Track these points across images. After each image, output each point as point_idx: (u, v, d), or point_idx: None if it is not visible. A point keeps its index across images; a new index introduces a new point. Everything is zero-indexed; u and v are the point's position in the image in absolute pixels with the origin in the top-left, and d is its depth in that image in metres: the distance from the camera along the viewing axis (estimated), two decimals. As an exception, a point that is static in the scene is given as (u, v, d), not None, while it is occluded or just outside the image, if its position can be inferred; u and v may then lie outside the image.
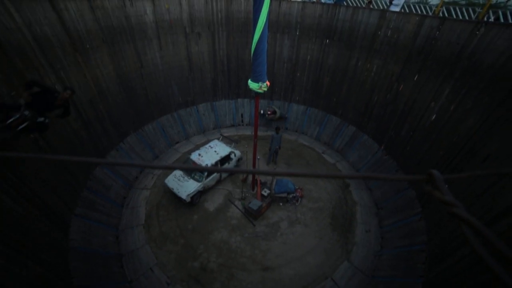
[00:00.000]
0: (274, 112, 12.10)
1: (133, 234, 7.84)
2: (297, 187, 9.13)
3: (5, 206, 4.83)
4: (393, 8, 9.32)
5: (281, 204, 8.92)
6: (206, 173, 8.71)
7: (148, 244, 7.61)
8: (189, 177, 8.75)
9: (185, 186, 8.47)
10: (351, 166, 10.65)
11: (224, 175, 9.62)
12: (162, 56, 10.14)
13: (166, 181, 8.79)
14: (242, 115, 13.23)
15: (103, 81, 8.35)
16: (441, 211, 6.51)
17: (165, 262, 7.24)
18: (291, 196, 8.87)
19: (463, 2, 11.18)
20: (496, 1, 9.50)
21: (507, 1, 8.57)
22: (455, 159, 6.63)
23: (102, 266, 6.66)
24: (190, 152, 10.30)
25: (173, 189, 8.48)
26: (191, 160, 9.13)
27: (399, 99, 8.81)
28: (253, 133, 7.80)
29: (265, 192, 8.77)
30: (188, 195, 8.23)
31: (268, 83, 6.36)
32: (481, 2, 9.96)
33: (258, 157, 8.65)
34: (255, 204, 8.23)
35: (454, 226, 5.84)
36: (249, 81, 6.32)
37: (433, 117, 7.56)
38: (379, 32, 9.15)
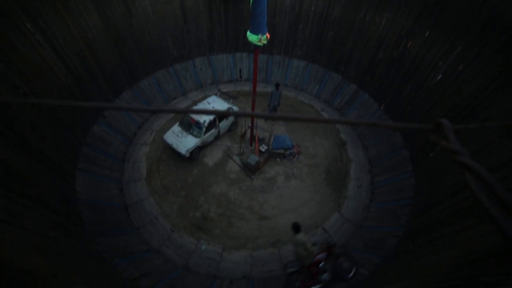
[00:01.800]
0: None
1: (136, 187, 8.23)
2: (294, 144, 9.31)
3: (11, 162, 4.96)
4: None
5: (278, 159, 9.20)
6: (204, 129, 8.77)
7: (151, 196, 8.05)
8: (187, 133, 8.82)
9: (184, 141, 8.59)
10: (348, 125, 10.72)
11: (222, 131, 9.69)
12: (152, 4, 9.28)
13: (165, 137, 8.88)
14: (240, 71, 12.73)
15: (89, 31, 7.76)
16: (431, 170, 6.80)
17: (168, 212, 7.76)
18: (288, 152, 9.10)
19: None
20: None
21: None
22: (454, 121, 6.66)
23: (110, 215, 7.15)
24: (188, 108, 10.19)
25: (172, 144, 8.62)
26: (189, 116, 9.08)
27: (406, 56, 8.42)
28: (251, 89, 7.64)
29: (263, 148, 8.96)
30: (187, 150, 8.40)
31: (268, 35, 5.98)
32: None
33: (257, 114, 8.61)
34: (253, 159, 8.48)
35: (440, 183, 6.17)
36: (248, 32, 5.94)
37: (439, 77, 7.30)
38: (392, -21, 8.29)
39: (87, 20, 7.62)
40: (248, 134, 9.59)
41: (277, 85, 9.71)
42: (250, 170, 8.66)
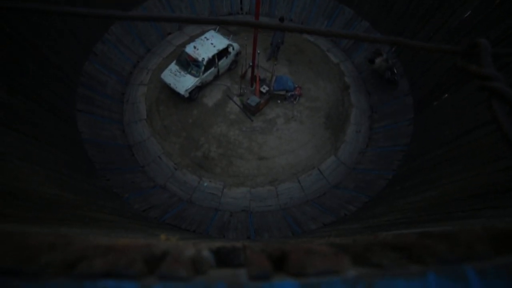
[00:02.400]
0: (380, 56, 8.78)
1: (137, 128, 8.33)
2: (296, 85, 9.05)
3: (12, 105, 4.87)
4: None
5: (279, 101, 9.07)
6: (203, 68, 8.36)
7: (153, 136, 8.22)
8: (186, 72, 8.44)
9: (182, 81, 8.29)
10: (354, 67, 10.19)
11: (222, 70, 9.27)
12: None
13: (162, 76, 8.52)
14: (241, 2, 11.38)
15: None
16: (431, 119, 6.80)
17: (170, 151, 8.06)
18: (289, 94, 8.91)
19: None
20: None
21: None
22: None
23: (116, 155, 7.45)
24: (184, 45, 9.48)
25: (170, 84, 8.35)
26: (186, 53, 8.52)
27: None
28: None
29: (264, 89, 8.73)
30: (186, 90, 8.19)
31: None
32: None
33: (258, 52, 8.10)
34: (254, 100, 8.36)
35: (438, 132, 6.26)
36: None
37: (467, 13, 6.49)
38: None
39: None
40: (249, 74, 9.20)
41: (281, 20, 8.83)
42: (250, 111, 8.62)
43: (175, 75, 8.42)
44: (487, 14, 6.05)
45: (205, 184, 7.68)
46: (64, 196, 4.38)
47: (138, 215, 6.56)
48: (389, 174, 7.16)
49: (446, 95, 6.64)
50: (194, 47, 8.54)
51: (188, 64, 8.44)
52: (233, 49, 9.19)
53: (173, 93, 8.73)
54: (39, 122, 5.54)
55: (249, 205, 7.47)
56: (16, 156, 4.13)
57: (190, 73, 8.40)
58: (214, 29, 9.81)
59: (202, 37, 8.97)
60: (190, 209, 7.25)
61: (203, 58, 8.24)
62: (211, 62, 8.52)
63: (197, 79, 8.36)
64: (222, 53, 8.80)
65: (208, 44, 8.66)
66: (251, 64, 8.55)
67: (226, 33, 10.15)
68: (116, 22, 8.84)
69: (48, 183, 4.38)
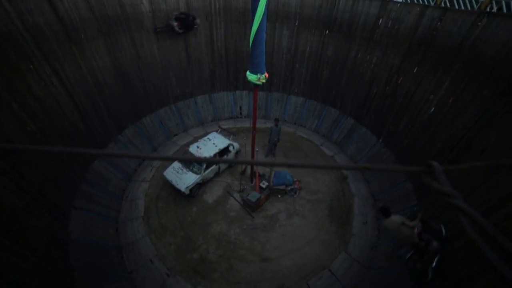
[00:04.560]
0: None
1: (132, 226, 7.89)
2: (295, 179, 9.17)
3: (4, 200, 4.82)
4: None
5: (279, 196, 8.97)
6: (204, 166, 8.71)
7: (148, 236, 7.67)
8: (187, 170, 8.74)
9: (184, 178, 8.47)
10: (349, 158, 10.69)
11: (222, 167, 9.62)
12: (159, 47, 9.97)
13: (165, 173, 8.79)
14: (240, 108, 13.14)
15: (99, 72, 8.23)
16: (436, 204, 6.59)
17: (164, 253, 7.32)
18: (289, 188, 8.92)
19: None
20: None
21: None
22: (452, 152, 6.65)
23: (102, 258, 6.72)
24: (188, 144, 10.27)
25: (172, 181, 8.50)
26: (190, 152, 9.11)
27: (399, 91, 8.76)
28: (251, 126, 7.76)
29: (264, 184, 8.81)
30: (187, 187, 8.25)
31: (266, 74, 6.28)
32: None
33: (257, 149, 8.64)
34: (254, 196, 8.27)
35: (448, 217, 5.92)
36: (248, 72, 6.24)
37: (432, 109, 7.54)
38: (379, 23, 9.01)
39: (98, 61, 8.12)
40: (249, 171, 9.52)
41: (276, 120, 9.90)
42: (250, 207, 8.39)
43: (178, 172, 8.69)
44: (447, 110, 7.02)
45: (201, 294, 6.58)
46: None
47: None
48: (411, 272, 6.26)
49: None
50: (197, 147, 9.21)
51: (191, 162, 8.87)
52: (233, 148, 9.89)
53: (174, 190, 8.76)
54: (29, 221, 5.27)
55: (253, 322, 6.15)
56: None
57: (192, 170, 8.71)
58: (216, 131, 10.87)
59: (205, 138, 9.84)
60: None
61: (205, 157, 8.73)
62: (213, 160, 8.95)
63: (198, 176, 8.58)
64: (223, 151, 9.41)
65: (210, 144, 9.38)
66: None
67: (227, 134, 11.18)
68: (129, 125, 9.90)
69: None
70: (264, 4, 5.17)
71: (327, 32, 10.69)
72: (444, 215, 6.08)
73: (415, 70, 8.11)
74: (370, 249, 7.51)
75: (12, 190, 5.03)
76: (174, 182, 8.44)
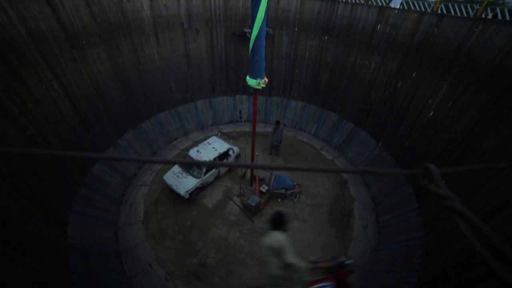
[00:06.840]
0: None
1: (131, 230, 7.85)
2: (295, 183, 9.16)
3: (2, 205, 4.81)
4: (393, 4, 9.28)
5: (279, 200, 8.96)
6: (204, 170, 8.70)
7: (147, 240, 7.63)
8: (187, 174, 8.74)
9: (183, 182, 8.46)
10: (349, 162, 10.70)
11: (222, 171, 9.62)
12: (160, 52, 10.06)
13: (165, 177, 8.78)
14: (240, 112, 13.20)
15: (100, 77, 8.28)
16: (437, 207, 6.58)
17: (164, 258, 7.27)
18: (289, 192, 8.90)
19: (462, -1, 11.14)
20: (494, -3, 9.49)
21: (505, -2, 8.56)
22: (452, 156, 6.68)
23: (101, 263, 6.68)
24: (188, 148, 10.28)
25: (171, 185, 8.48)
26: (190, 156, 9.11)
27: (398, 95, 8.83)
28: (251, 130, 7.79)
29: (264, 188, 8.80)
30: (187, 191, 8.23)
31: (266, 79, 6.34)
32: (479, -1, 9.92)
33: (257, 153, 8.66)
34: (254, 200, 8.25)
35: (450, 221, 5.91)
36: (248, 77, 6.30)
37: (431, 113, 7.59)
38: (378, 29, 9.13)
39: (99, 66, 8.18)
40: (248, 174, 9.51)
41: (277, 123, 9.94)
42: (250, 211, 8.37)
43: (177, 176, 8.68)
44: (446, 114, 7.07)
45: (200, 299, 6.52)
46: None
47: None
48: (414, 275, 6.22)
49: (443, 180, 6.67)
50: (197, 151, 9.22)
51: (191, 166, 8.87)
52: (233, 152, 9.90)
53: (173, 194, 8.74)
54: (26, 226, 5.24)
55: (253, 327, 6.07)
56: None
57: (192, 174, 8.70)
58: (216, 135, 10.90)
59: (205, 142, 9.85)
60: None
61: (205, 161, 8.73)
62: (213, 164, 8.99)
63: (198, 180, 8.57)
64: (223, 155, 9.41)
65: (210, 148, 9.39)
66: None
67: (227, 138, 11.21)
68: (129, 129, 9.93)
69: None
70: (264, 11, 5.26)
71: (326, 37, 10.81)
72: (446, 221, 6.08)
73: (413, 75, 8.20)
74: (371, 253, 7.48)
75: (9, 194, 5.02)
76: (173, 186, 8.43)
